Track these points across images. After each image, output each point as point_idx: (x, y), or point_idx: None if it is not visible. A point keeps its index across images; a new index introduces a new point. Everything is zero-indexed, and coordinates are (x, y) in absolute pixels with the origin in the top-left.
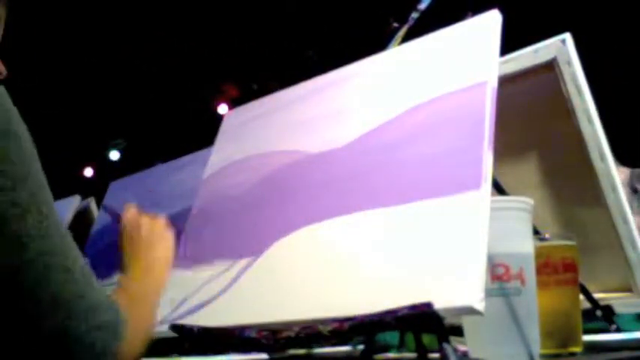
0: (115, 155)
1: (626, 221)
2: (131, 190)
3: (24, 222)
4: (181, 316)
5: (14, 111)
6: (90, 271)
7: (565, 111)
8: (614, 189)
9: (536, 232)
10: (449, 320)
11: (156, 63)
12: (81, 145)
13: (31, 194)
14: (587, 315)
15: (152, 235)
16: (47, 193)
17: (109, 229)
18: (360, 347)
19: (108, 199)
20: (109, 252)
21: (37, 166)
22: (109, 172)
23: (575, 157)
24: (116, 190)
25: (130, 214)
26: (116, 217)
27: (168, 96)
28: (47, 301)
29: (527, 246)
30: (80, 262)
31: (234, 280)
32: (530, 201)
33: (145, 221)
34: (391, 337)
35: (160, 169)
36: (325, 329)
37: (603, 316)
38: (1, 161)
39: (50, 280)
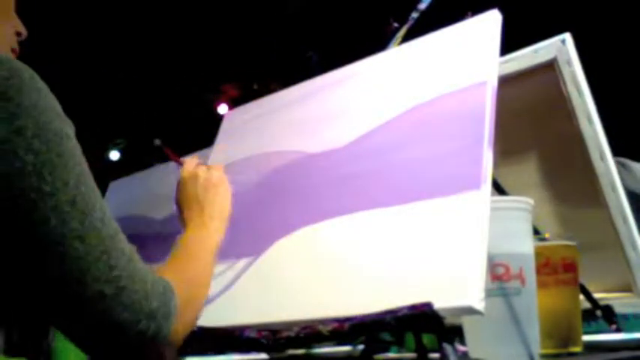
0: (115, 155)
1: (626, 221)
2: (131, 190)
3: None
4: None
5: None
6: (137, 255)
7: (565, 111)
8: (614, 189)
9: (536, 232)
10: (449, 320)
11: (156, 63)
12: (81, 145)
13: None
14: (587, 315)
15: (208, 187)
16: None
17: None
18: (360, 347)
19: (107, 199)
20: None
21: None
22: (109, 172)
23: (575, 157)
24: (116, 189)
25: (189, 164)
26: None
27: (168, 96)
28: (92, 293)
29: (527, 246)
30: (123, 246)
31: (234, 280)
32: (530, 201)
33: (202, 172)
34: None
35: (160, 169)
36: (325, 329)
37: (603, 316)
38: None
39: (91, 270)
